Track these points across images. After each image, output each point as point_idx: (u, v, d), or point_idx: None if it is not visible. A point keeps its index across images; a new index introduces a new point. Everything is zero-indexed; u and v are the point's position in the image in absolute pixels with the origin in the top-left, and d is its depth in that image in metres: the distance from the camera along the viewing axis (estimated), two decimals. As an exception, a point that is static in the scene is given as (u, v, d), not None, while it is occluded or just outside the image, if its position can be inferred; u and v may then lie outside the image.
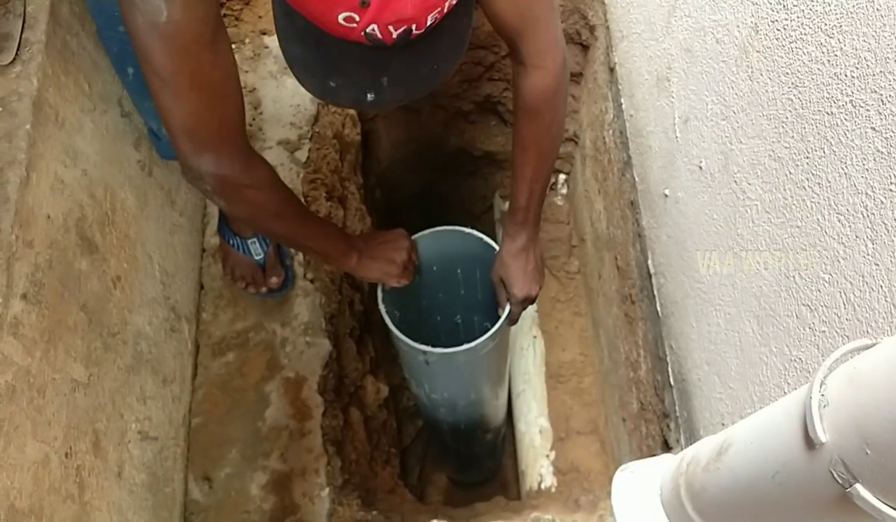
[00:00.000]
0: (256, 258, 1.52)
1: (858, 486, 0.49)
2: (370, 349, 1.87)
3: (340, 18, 0.72)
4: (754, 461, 0.64)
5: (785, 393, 0.96)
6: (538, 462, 2.14)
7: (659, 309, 1.48)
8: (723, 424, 1.17)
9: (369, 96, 0.81)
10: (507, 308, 1.44)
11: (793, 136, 0.89)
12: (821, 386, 0.54)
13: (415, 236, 1.51)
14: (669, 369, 1.44)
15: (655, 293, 1.49)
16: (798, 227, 0.89)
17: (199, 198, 1.61)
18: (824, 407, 0.53)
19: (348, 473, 1.48)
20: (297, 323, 1.54)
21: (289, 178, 1.64)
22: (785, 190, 0.92)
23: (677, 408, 1.41)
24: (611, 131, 1.79)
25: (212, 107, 0.89)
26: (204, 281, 1.57)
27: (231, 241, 1.51)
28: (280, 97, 1.72)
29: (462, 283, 1.69)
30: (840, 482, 0.50)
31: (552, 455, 2.16)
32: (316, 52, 0.77)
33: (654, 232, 1.47)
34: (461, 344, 1.80)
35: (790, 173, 0.90)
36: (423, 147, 2.30)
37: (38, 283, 0.97)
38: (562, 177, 2.37)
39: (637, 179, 1.58)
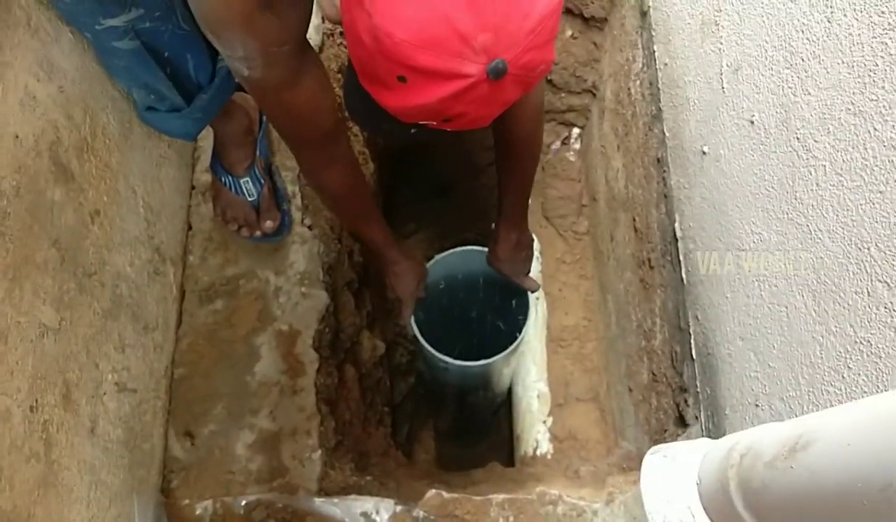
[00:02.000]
0: (250, 199, 1.39)
1: None
2: (367, 303, 1.76)
3: (419, 121, 0.85)
4: (852, 467, 0.53)
5: (844, 378, 0.86)
6: (534, 427, 2.06)
7: (684, 276, 1.37)
8: (757, 405, 1.08)
9: (412, 130, 0.93)
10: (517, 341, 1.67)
11: (883, 87, 0.77)
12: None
13: (445, 253, 1.71)
14: (692, 341, 1.34)
15: (681, 258, 1.38)
16: (880, 192, 0.78)
17: (190, 129, 1.47)
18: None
19: (341, 434, 1.38)
20: (293, 272, 1.42)
21: (288, 114, 1.50)
22: (865, 149, 0.80)
23: (698, 383, 1.31)
24: (638, 82, 1.66)
25: (299, 123, 1.05)
26: (192, 221, 1.45)
27: (223, 179, 1.38)
28: (281, 24, 1.57)
29: (482, 289, 1.85)
30: None
31: (549, 421, 2.07)
32: (377, 111, 0.87)
33: (685, 192, 1.35)
34: (473, 336, 2.06)
35: (875, 130, 0.79)
36: (430, 91, 2.15)
37: (2, 212, 0.84)
38: (575, 130, 2.24)
39: (668, 134, 1.46)
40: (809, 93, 0.92)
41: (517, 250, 1.57)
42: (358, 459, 1.39)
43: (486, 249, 1.66)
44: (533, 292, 1.69)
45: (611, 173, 1.92)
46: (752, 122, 1.07)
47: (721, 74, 1.18)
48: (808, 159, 0.92)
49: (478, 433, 2.46)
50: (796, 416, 0.95)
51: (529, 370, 2.10)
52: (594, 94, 2.10)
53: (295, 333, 1.37)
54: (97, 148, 1.06)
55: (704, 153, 1.26)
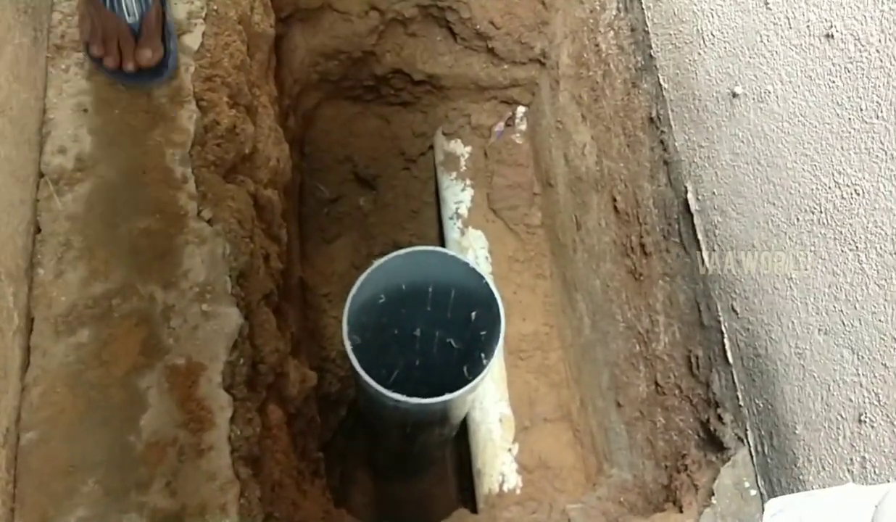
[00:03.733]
0: (129, 20, 1.05)
1: None
2: (290, 322, 1.38)
3: None
4: None
5: None
6: (498, 458, 1.73)
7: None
8: (861, 420, 0.78)
9: None
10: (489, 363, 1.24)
11: None
12: None
13: (387, 258, 1.27)
14: (725, 341, 1.04)
15: (699, 237, 1.09)
16: None
17: (31, 87, 1.06)
18: None
19: (271, 503, 1.00)
20: (188, 285, 1.03)
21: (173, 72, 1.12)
22: None
23: (740, 395, 1.02)
24: (611, 33, 1.37)
25: None
26: (41, 220, 1.03)
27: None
28: (158, -40, 1.18)
29: (430, 301, 1.47)
30: None
31: (515, 448, 1.75)
32: None
33: (704, 152, 1.06)
34: (415, 356, 1.67)
35: None
36: (349, 64, 1.80)
37: None
38: (520, 109, 1.94)
39: (666, 86, 1.17)
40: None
41: None
42: (295, 534, 1.02)
43: (438, 249, 1.31)
44: None
45: (573, 151, 1.62)
46: (830, 36, 0.79)
47: (762, -14, 0.90)
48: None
49: (424, 469, 2.10)
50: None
51: (487, 390, 1.77)
52: (542, 64, 1.80)
53: (196, 369, 0.98)
54: None
55: (735, 95, 0.97)
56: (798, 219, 0.86)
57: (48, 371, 0.97)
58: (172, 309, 1.01)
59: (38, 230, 1.03)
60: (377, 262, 1.23)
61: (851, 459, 0.79)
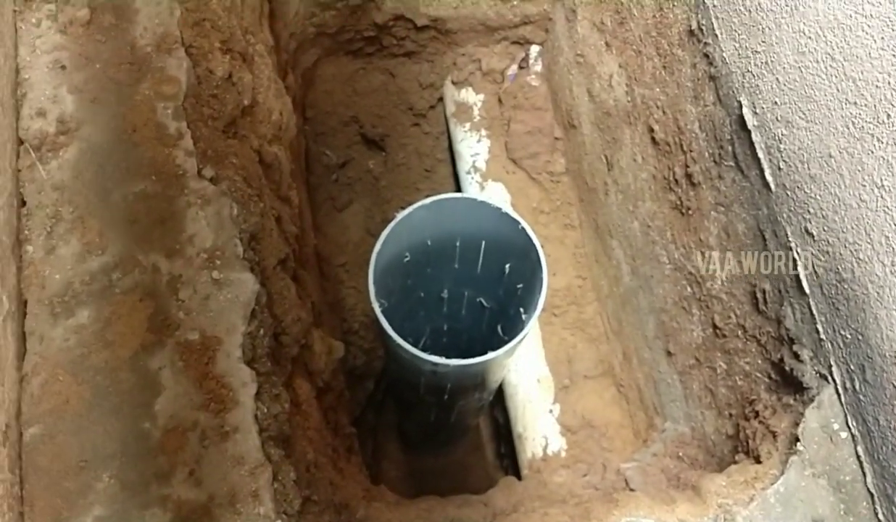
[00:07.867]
0: None
1: None
2: (309, 291, 1.27)
3: None
4: None
5: None
6: (539, 420, 1.63)
7: (770, 179, 0.96)
8: None
9: None
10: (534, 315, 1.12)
11: None
12: None
13: (410, 209, 1.14)
14: (800, 268, 0.93)
15: (760, 156, 0.97)
16: None
17: (8, 47, 0.95)
18: None
19: (308, 486, 0.90)
20: (195, 251, 0.93)
21: (156, 18, 1.00)
22: None
23: (821, 328, 0.90)
24: (638, -57, 1.24)
25: None
26: (25, 192, 0.93)
27: None
28: None
29: (458, 257, 1.37)
30: None
31: (556, 409, 1.65)
32: None
33: (760, 57, 0.94)
34: (443, 320, 1.57)
35: None
36: (347, 13, 1.67)
37: None
38: (534, 49, 1.81)
39: (709, -10, 1.04)
40: None
41: None
42: (337, 516, 0.92)
43: (467, 195, 1.20)
44: None
45: (598, 84, 1.49)
46: None
47: None
48: None
49: (458, 438, 2.01)
50: None
51: (522, 350, 1.67)
52: (557, -5, 1.67)
53: (211, 343, 0.88)
54: None
55: (800, -16, 0.85)
56: (888, 116, 0.74)
57: (47, 358, 0.88)
58: (179, 280, 0.91)
59: (23, 203, 0.92)
60: (401, 214, 1.12)
61: (976, 385, 0.68)
